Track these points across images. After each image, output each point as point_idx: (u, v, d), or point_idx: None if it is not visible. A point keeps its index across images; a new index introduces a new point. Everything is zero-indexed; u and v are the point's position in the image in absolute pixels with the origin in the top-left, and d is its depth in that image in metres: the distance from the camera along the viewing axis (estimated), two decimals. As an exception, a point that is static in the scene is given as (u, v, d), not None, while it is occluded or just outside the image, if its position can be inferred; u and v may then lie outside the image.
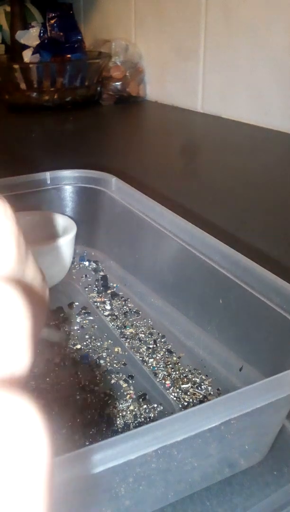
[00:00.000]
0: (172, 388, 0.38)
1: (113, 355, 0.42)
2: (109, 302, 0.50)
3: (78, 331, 0.45)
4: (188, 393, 0.38)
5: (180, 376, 0.40)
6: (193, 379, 0.39)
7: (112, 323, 0.46)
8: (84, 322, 0.47)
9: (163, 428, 0.23)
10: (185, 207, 0.67)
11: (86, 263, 0.57)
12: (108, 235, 0.57)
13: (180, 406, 0.37)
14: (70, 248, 0.51)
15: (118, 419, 0.35)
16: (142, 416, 0.36)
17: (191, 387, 0.38)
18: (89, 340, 0.44)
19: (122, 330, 0.45)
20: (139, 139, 1.10)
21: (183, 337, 0.44)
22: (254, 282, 0.36)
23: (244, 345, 0.39)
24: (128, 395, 0.38)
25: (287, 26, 0.96)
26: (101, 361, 0.41)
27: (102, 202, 0.56)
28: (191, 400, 0.37)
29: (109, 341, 0.44)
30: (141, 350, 0.43)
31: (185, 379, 0.39)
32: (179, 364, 0.41)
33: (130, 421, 0.35)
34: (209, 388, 0.38)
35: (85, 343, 0.44)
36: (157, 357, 0.42)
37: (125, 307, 0.49)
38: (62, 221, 0.53)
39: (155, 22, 1.29)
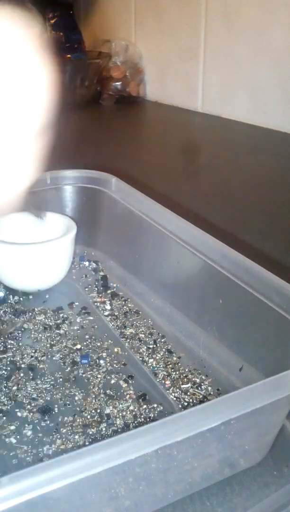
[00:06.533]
0: (172, 388, 0.38)
1: (113, 355, 0.42)
2: (109, 302, 0.49)
3: (78, 331, 0.45)
4: (188, 393, 0.38)
5: (180, 376, 0.40)
6: (193, 379, 0.39)
7: (112, 323, 0.46)
8: (84, 322, 0.47)
9: (163, 428, 0.23)
10: (185, 207, 0.67)
11: (86, 263, 0.57)
12: (108, 235, 0.57)
13: (180, 406, 0.37)
14: (70, 248, 0.51)
15: (118, 419, 0.35)
16: (142, 416, 0.36)
17: (191, 387, 0.38)
18: (89, 340, 0.44)
19: (122, 330, 0.45)
20: (139, 139, 1.10)
21: (183, 337, 0.44)
22: (254, 282, 0.36)
23: (244, 345, 0.39)
24: (128, 395, 0.38)
25: (287, 26, 0.96)
26: (101, 361, 0.41)
27: (102, 202, 0.56)
28: (191, 400, 0.37)
29: (109, 341, 0.44)
30: (141, 350, 0.43)
31: (185, 379, 0.39)
32: (179, 364, 0.41)
33: (130, 421, 0.35)
34: (209, 388, 0.38)
35: (85, 343, 0.44)
36: (157, 357, 0.42)
37: (125, 307, 0.49)
38: (62, 221, 0.53)
39: (155, 22, 1.29)
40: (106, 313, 0.48)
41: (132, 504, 0.27)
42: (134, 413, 0.36)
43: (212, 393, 0.38)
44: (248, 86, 1.07)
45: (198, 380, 0.39)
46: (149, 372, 0.40)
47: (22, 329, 0.45)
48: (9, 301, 0.50)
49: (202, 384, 0.39)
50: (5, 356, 0.42)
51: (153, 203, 0.49)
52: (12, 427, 0.35)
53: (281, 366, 0.28)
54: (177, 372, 0.40)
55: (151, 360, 0.41)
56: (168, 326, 0.45)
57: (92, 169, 0.57)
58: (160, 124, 1.21)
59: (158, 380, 0.39)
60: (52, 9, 1.31)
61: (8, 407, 0.37)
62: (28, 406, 0.37)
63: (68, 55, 1.29)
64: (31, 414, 0.36)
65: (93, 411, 0.36)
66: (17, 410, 0.36)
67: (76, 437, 0.34)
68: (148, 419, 0.36)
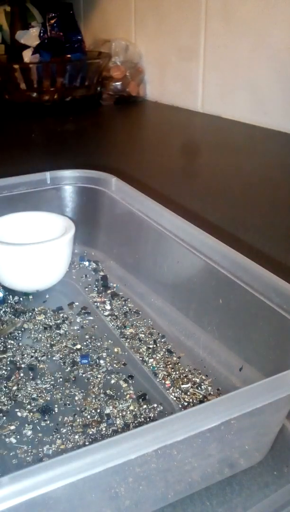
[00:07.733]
0: (172, 388, 0.38)
1: (113, 355, 0.42)
2: (109, 302, 0.50)
3: (78, 331, 0.45)
4: (188, 393, 0.38)
5: (180, 376, 0.40)
6: (193, 379, 0.39)
7: (112, 323, 0.46)
8: (84, 322, 0.47)
9: (163, 428, 0.23)
10: (185, 207, 0.67)
11: (86, 263, 0.57)
12: (108, 235, 0.57)
13: (180, 406, 0.37)
14: (69, 248, 0.51)
15: (118, 419, 0.35)
16: (142, 416, 0.36)
17: (191, 387, 0.38)
18: (89, 340, 0.44)
19: (122, 330, 0.45)
20: (139, 139, 1.10)
21: (183, 337, 0.44)
22: (254, 282, 0.36)
23: (244, 345, 0.39)
24: (128, 395, 0.38)
25: (287, 26, 0.96)
26: (101, 361, 0.41)
27: (102, 202, 0.56)
28: (191, 400, 0.37)
29: (109, 341, 0.44)
30: (141, 350, 0.43)
31: (185, 379, 0.39)
32: (179, 364, 0.41)
33: (130, 421, 0.35)
34: (209, 388, 0.38)
35: (85, 343, 0.44)
36: (157, 357, 0.42)
37: (125, 307, 0.49)
38: (60, 221, 0.53)
39: (155, 22, 1.29)
40: (106, 313, 0.48)
41: (132, 504, 0.27)
42: (134, 413, 0.36)
43: (212, 393, 0.38)
44: (248, 86, 1.07)
45: (198, 380, 0.39)
46: (149, 372, 0.40)
47: (22, 329, 0.45)
48: (9, 301, 0.50)
49: (202, 384, 0.39)
50: (5, 356, 0.42)
51: (153, 203, 0.49)
52: (12, 427, 0.35)
53: (281, 366, 0.28)
54: (177, 372, 0.40)
55: (151, 360, 0.41)
56: (168, 326, 0.45)
57: (92, 169, 0.57)
58: (160, 124, 1.21)
59: (158, 380, 0.39)
60: (52, 9, 1.30)
61: (8, 407, 0.37)
62: (28, 406, 0.37)
63: (68, 55, 1.29)
64: (31, 414, 0.36)
65: (93, 411, 0.36)
66: (17, 410, 0.36)
67: (76, 437, 0.34)
68: (148, 419, 0.36)
